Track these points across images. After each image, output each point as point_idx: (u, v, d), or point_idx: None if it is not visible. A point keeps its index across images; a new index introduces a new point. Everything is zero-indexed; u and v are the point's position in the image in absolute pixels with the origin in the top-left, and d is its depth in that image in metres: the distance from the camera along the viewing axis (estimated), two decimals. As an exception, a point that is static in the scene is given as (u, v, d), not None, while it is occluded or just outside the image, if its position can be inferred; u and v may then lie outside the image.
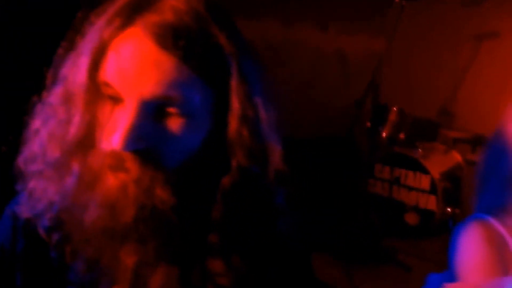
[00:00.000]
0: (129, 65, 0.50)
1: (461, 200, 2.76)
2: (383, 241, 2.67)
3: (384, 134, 3.24)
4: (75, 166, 0.53)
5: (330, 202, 3.26)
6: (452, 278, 0.87)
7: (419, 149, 2.91)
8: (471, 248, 0.86)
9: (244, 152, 0.55)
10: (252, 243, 0.58)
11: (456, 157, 3.05)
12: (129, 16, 0.51)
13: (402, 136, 3.25)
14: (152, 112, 0.51)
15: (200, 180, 0.56)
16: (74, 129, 0.53)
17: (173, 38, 0.50)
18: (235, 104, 0.54)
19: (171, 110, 0.52)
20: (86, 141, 0.53)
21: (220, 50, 0.53)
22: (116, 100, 0.52)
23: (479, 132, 3.17)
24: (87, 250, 0.55)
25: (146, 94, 0.50)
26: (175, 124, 0.52)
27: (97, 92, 0.53)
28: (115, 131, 0.50)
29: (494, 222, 0.89)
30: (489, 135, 0.99)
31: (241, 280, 0.57)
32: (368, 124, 3.42)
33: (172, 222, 0.53)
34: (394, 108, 3.24)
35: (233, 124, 0.54)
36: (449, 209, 2.80)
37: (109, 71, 0.52)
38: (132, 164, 0.52)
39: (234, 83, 0.53)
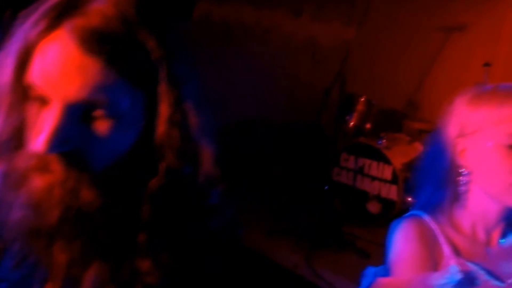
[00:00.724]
0: (54, 68, 0.50)
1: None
2: (344, 228, 2.74)
3: (351, 124, 3.29)
4: (1, 167, 0.53)
5: (296, 187, 3.31)
6: (387, 272, 0.92)
7: (383, 140, 2.98)
8: (403, 243, 0.90)
9: (173, 154, 0.56)
10: (181, 243, 0.60)
11: (419, 148, 3.13)
12: (55, 18, 0.51)
13: (368, 126, 3.31)
14: (78, 114, 0.52)
15: (129, 181, 0.56)
16: None
17: (98, 43, 0.50)
18: (163, 108, 0.55)
19: (98, 113, 0.52)
20: (13, 142, 0.54)
21: (148, 55, 0.53)
22: (42, 101, 0.53)
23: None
24: (14, 248, 0.55)
25: (71, 97, 0.51)
26: (102, 126, 0.53)
27: (24, 93, 0.53)
28: (40, 133, 0.51)
29: (427, 219, 0.93)
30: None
31: (169, 278, 0.59)
32: (336, 112, 3.46)
33: (98, 223, 0.54)
34: (362, 98, 3.29)
35: (161, 127, 0.55)
36: (409, 199, 2.89)
37: (35, 73, 0.51)
38: (57, 166, 0.52)
39: (162, 87, 0.54)
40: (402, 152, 3.02)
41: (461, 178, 0.92)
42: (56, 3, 0.52)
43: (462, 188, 0.92)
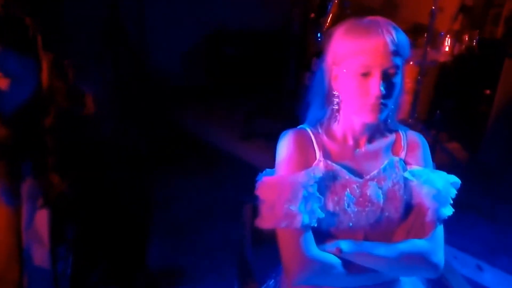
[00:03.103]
0: None
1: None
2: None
3: (325, 27, 3.36)
4: None
5: (268, 92, 3.50)
6: (273, 173, 1.17)
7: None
8: (283, 149, 1.13)
9: (60, 99, 0.79)
10: (81, 161, 0.84)
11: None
12: None
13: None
14: None
15: (32, 120, 0.80)
16: None
17: None
18: (44, 67, 0.76)
19: None
20: None
21: (26, 29, 0.73)
22: None
23: (420, 22, 3.30)
24: None
25: None
26: (1, 83, 0.75)
27: None
28: None
29: (308, 131, 1.15)
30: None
31: (75, 187, 0.84)
32: (313, 15, 3.50)
33: (9, 150, 0.79)
34: (336, 0, 3.30)
35: (45, 80, 0.77)
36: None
37: None
38: None
39: (41, 52, 0.75)
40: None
41: (335, 99, 1.12)
42: None
43: (336, 107, 1.13)
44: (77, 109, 0.80)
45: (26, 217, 0.87)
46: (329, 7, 3.33)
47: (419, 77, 2.63)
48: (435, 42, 3.04)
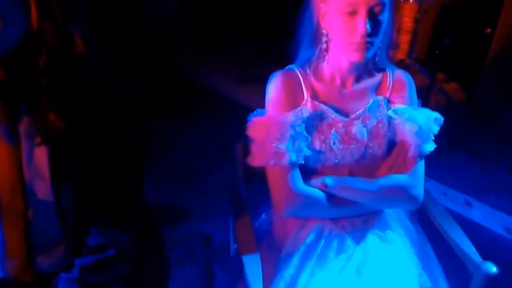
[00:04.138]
0: None
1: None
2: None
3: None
4: None
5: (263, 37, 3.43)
6: (263, 113, 1.20)
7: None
8: (272, 90, 1.16)
9: (50, 39, 0.81)
10: (74, 99, 0.88)
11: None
12: None
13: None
14: None
15: (26, 61, 0.82)
16: None
17: None
18: (33, 7, 0.78)
19: None
20: None
21: None
22: None
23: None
24: None
25: None
26: None
27: None
28: None
29: (297, 72, 1.17)
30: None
31: (70, 125, 0.88)
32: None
33: (5, 90, 0.82)
34: None
35: (35, 21, 0.79)
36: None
37: None
38: None
39: None
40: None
41: (323, 38, 1.13)
42: None
43: (324, 46, 1.14)
44: (67, 49, 0.83)
45: (26, 154, 0.93)
46: None
47: (418, 16, 2.59)
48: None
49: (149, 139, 2.64)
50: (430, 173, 2.34)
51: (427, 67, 2.84)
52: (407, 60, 2.71)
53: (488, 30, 2.86)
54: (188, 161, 2.57)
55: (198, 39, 3.57)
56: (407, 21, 2.75)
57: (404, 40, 2.77)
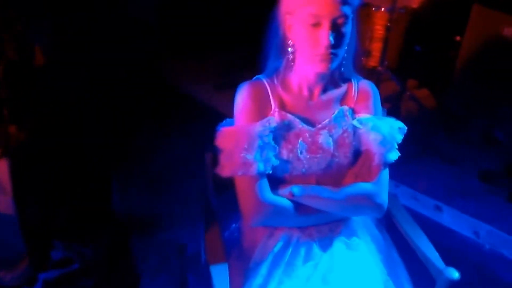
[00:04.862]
0: None
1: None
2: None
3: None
4: None
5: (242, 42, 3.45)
6: (232, 123, 1.21)
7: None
8: (240, 100, 1.17)
9: (10, 51, 0.80)
10: (35, 110, 0.87)
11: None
12: None
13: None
14: None
15: None
16: None
17: None
18: None
19: None
20: None
21: None
22: None
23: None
24: None
25: None
26: None
27: None
28: None
29: (264, 81, 1.19)
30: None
31: (31, 136, 0.88)
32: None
33: None
34: None
35: None
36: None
37: None
38: None
39: None
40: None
41: (289, 48, 1.14)
42: None
43: (290, 57, 1.15)
44: (26, 61, 0.82)
45: None
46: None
47: (389, 24, 2.64)
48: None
49: (124, 146, 2.62)
50: (401, 178, 2.40)
51: (399, 74, 2.90)
52: (379, 67, 2.76)
53: (458, 38, 2.95)
54: (164, 168, 2.56)
55: (175, 46, 3.56)
56: (379, 29, 2.80)
57: (376, 47, 2.82)
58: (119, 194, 1.10)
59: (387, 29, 2.69)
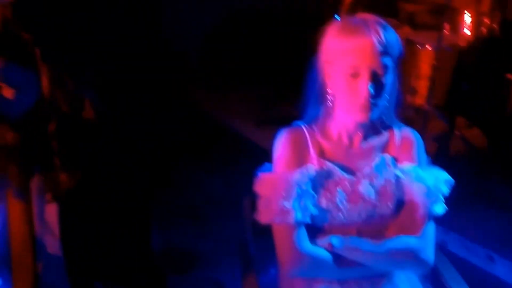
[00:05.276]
0: None
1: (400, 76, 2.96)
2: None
3: (343, 10, 3.31)
4: None
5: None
6: (270, 169, 1.21)
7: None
8: (279, 147, 1.17)
9: (61, 104, 0.86)
10: (84, 161, 0.92)
11: (407, 33, 3.13)
12: None
13: (359, 10, 3.31)
14: None
15: (39, 124, 0.87)
16: None
17: None
18: (44, 77, 0.83)
19: (1, 84, 0.81)
20: None
21: (26, 45, 0.79)
22: None
23: (441, 2, 3.20)
24: None
25: None
26: (7, 93, 0.82)
27: None
28: None
29: (303, 128, 1.18)
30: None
31: (80, 185, 0.92)
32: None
33: (19, 151, 0.86)
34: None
35: (46, 89, 0.84)
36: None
37: None
38: None
39: (40, 65, 0.81)
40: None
41: (329, 97, 1.14)
42: None
43: (330, 105, 1.15)
44: (77, 114, 0.87)
45: (37, 210, 0.96)
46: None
47: (435, 63, 2.58)
48: (455, 24, 2.95)
49: (164, 180, 2.67)
50: (450, 224, 2.28)
51: (447, 112, 2.81)
52: (426, 106, 2.69)
53: (510, 76, 2.83)
54: (203, 203, 2.58)
55: (217, 80, 3.65)
56: (425, 67, 2.74)
57: (422, 85, 2.76)
58: (158, 231, 1.12)
59: (434, 67, 2.64)
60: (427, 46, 2.71)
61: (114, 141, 0.97)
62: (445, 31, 2.70)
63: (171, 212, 2.44)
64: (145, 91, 3.05)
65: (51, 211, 0.98)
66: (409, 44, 2.89)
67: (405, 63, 2.99)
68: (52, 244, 1.01)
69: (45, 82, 0.84)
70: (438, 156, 2.34)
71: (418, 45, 2.81)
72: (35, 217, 0.97)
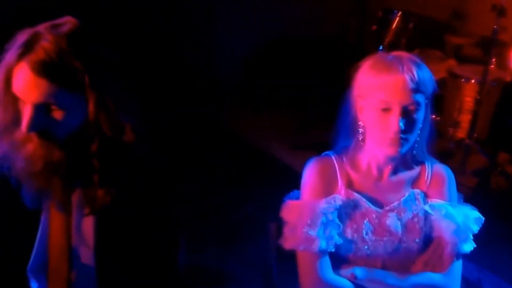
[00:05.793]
0: (22, 85, 0.88)
1: (443, 109, 2.91)
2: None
3: (386, 41, 3.32)
4: (6, 139, 0.93)
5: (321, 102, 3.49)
6: (298, 197, 1.23)
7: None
8: (307, 176, 1.19)
9: (104, 127, 0.92)
10: (121, 179, 0.98)
11: (452, 65, 3.08)
12: (19, 55, 0.87)
13: (403, 41, 3.31)
14: (42, 109, 0.89)
15: (81, 145, 0.94)
16: (1, 117, 0.92)
17: (43, 69, 0.85)
18: (90, 101, 0.90)
19: (53, 107, 0.89)
20: (11, 125, 0.92)
21: (76, 72, 0.87)
22: (23, 102, 0.90)
23: (488, 35, 3.14)
24: (27, 184, 0.98)
25: (34, 100, 0.87)
26: (57, 115, 0.90)
27: (13, 96, 0.90)
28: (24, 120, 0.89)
29: (333, 158, 1.20)
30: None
31: (116, 201, 0.98)
32: (374, 27, 3.47)
33: (63, 168, 0.94)
34: (398, 13, 3.25)
35: (91, 112, 0.91)
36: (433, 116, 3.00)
37: (14, 86, 0.89)
38: (36, 138, 0.91)
39: (87, 90, 0.89)
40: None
41: (360, 129, 1.16)
42: (20, 44, 0.87)
43: (361, 137, 1.16)
44: (118, 137, 0.94)
45: (75, 222, 1.03)
46: (391, 21, 3.29)
47: (478, 97, 2.52)
48: (502, 58, 2.88)
49: (198, 200, 2.73)
50: (484, 262, 2.18)
51: (489, 147, 2.72)
52: (467, 140, 2.62)
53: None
54: (238, 225, 2.60)
55: (253, 102, 3.72)
56: (468, 100, 2.69)
57: (465, 119, 2.70)
58: (186, 251, 1.16)
59: (477, 102, 2.58)
60: (471, 80, 2.65)
61: (151, 163, 1.03)
62: (492, 66, 2.64)
63: (208, 231, 2.48)
64: (183, 116, 3.17)
65: (88, 224, 1.05)
66: (453, 77, 2.86)
67: (448, 96, 2.95)
68: (87, 255, 1.07)
69: (91, 107, 0.91)
70: (478, 191, 2.27)
71: (462, 79, 2.76)
72: (73, 228, 1.04)
